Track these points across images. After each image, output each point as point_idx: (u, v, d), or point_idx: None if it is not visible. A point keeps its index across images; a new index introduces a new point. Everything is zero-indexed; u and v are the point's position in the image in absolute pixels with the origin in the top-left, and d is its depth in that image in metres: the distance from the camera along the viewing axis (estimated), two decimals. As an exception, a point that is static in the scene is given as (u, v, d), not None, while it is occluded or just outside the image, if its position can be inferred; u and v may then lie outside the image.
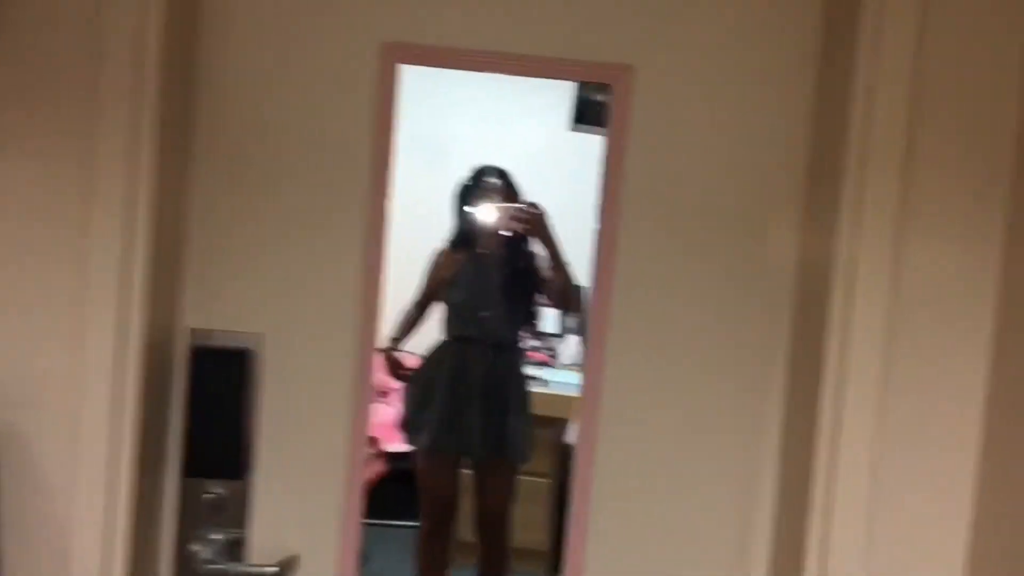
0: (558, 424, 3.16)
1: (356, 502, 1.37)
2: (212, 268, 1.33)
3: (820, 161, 1.31)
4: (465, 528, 3.07)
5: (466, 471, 2.44)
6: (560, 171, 2.06)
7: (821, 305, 1.22)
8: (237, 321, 1.33)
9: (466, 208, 2.22)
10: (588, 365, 1.37)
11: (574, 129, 1.86)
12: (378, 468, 3.22)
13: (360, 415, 1.36)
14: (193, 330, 1.31)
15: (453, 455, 2.37)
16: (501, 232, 2.13)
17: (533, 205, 2.00)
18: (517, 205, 2.04)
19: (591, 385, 1.37)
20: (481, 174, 2.20)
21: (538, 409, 2.56)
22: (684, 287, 1.37)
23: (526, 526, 2.86)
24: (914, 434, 1.22)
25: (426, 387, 2.33)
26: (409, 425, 2.36)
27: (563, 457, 2.89)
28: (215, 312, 1.33)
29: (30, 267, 1.20)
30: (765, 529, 1.36)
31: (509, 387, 2.27)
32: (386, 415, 3.44)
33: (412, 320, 2.31)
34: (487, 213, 2.13)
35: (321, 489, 1.37)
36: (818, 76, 1.32)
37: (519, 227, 2.04)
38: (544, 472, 3.34)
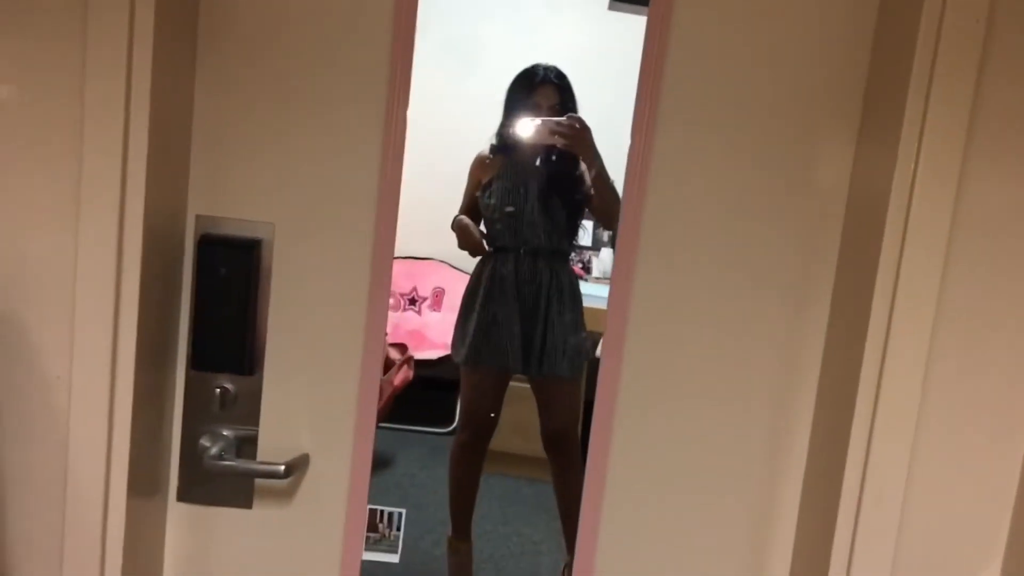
0: (591, 337, 3.10)
1: (371, 403, 1.31)
2: (221, 151, 1.24)
3: (882, 70, 1.18)
4: (499, 439, 3.06)
5: (522, 385, 2.39)
6: (601, 59, 1.93)
7: (873, 230, 1.12)
8: (247, 209, 1.25)
9: (512, 109, 2.11)
10: (616, 276, 1.28)
11: (612, 8, 1.72)
12: (405, 374, 3.20)
13: (376, 316, 1.28)
14: (199, 217, 1.24)
15: (494, 369, 2.31)
16: (535, 143, 2.03)
17: (575, 118, 1.88)
18: (558, 119, 1.92)
19: (618, 297, 1.28)
20: (535, 77, 2.09)
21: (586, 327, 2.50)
22: (722, 198, 1.25)
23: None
24: (966, 382, 1.14)
25: (469, 300, 2.29)
26: (455, 339, 2.32)
27: (593, 371, 2.84)
28: (224, 199, 1.25)
29: (22, 141, 1.12)
30: (799, 449, 1.28)
31: (552, 298, 2.20)
32: (415, 323, 3.40)
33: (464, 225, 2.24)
34: (527, 127, 2.01)
35: (335, 389, 1.30)
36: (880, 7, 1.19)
37: (560, 141, 1.91)
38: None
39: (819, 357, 1.27)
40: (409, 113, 1.25)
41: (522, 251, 2.13)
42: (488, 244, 2.25)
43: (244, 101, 1.24)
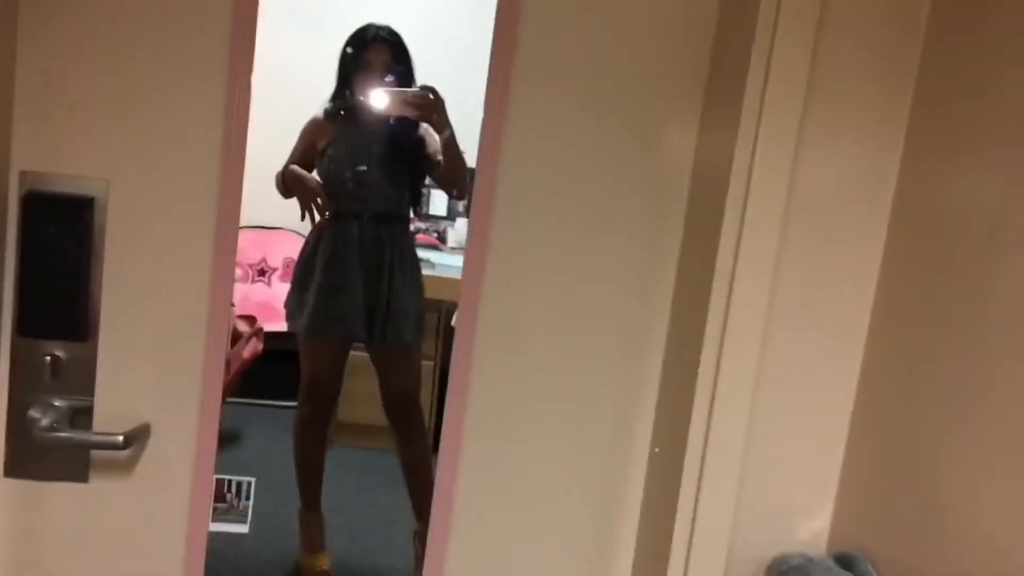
0: (444, 307, 3.10)
1: (217, 373, 1.26)
2: (49, 101, 1.16)
3: (724, 48, 1.23)
4: (349, 410, 3.01)
5: (361, 354, 2.33)
6: (451, 25, 1.92)
7: (715, 205, 1.17)
8: (78, 164, 1.18)
9: (348, 70, 2.04)
10: (471, 246, 1.28)
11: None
12: (255, 347, 3.10)
13: (221, 284, 1.23)
14: (23, 173, 1.15)
15: (334, 337, 2.24)
16: (387, 114, 1.98)
17: (429, 89, 1.85)
18: (411, 90, 1.88)
19: (473, 266, 1.28)
20: (366, 35, 2.02)
21: (427, 293, 2.47)
22: (573, 171, 1.28)
23: (409, 410, 2.81)
24: (800, 344, 1.22)
25: (306, 268, 2.19)
26: (291, 308, 2.22)
27: (448, 341, 2.84)
28: (52, 153, 1.17)
29: None
30: (646, 420, 1.33)
31: (395, 264, 2.14)
32: (264, 295, 3.30)
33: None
34: (378, 97, 1.94)
35: (178, 358, 1.25)
36: None
37: (413, 113, 1.88)
38: (430, 355, 3.30)
39: (664, 332, 1.32)
40: (255, 79, 1.20)
41: (365, 216, 2.06)
42: (324, 210, 2.16)
43: (73, 43, 1.16)
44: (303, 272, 2.13)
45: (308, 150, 2.10)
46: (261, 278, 3.10)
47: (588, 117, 1.26)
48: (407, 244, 2.16)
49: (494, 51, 1.24)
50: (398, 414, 2.28)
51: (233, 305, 2.50)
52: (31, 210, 1.14)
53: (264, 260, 3.09)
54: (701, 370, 1.17)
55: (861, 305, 1.22)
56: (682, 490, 1.19)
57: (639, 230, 1.30)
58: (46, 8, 1.14)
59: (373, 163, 2.07)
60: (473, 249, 1.27)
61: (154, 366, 1.24)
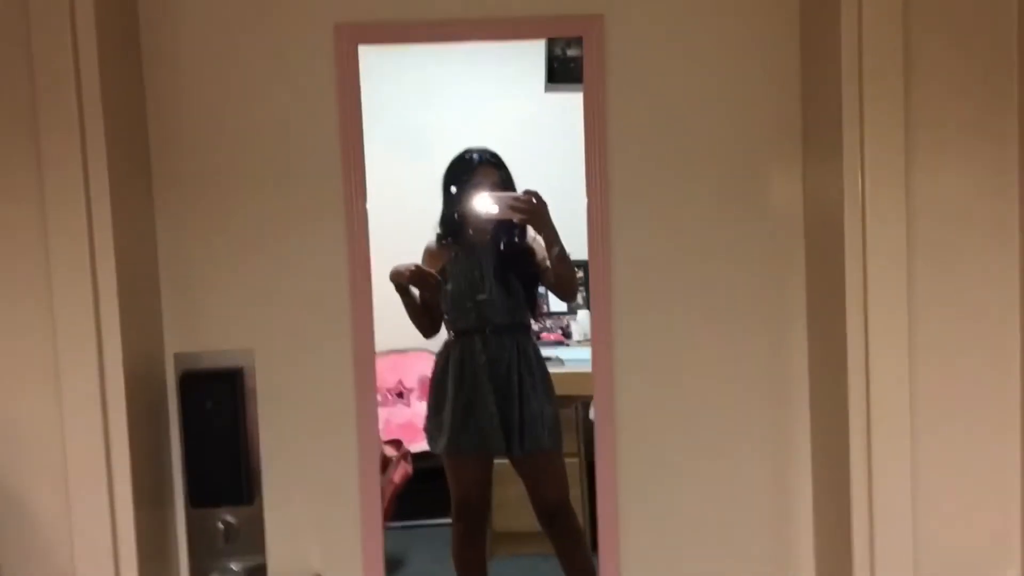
0: (580, 401, 3.08)
1: (374, 506, 1.30)
2: (190, 288, 1.26)
3: (815, 93, 1.23)
4: (503, 519, 3.01)
5: (507, 462, 2.35)
6: (543, 136, 1.98)
7: (833, 242, 1.15)
8: (223, 339, 1.26)
9: (453, 195, 2.11)
10: (596, 340, 1.30)
11: (549, 90, 1.77)
12: (404, 470, 3.15)
13: (366, 418, 1.29)
14: (177, 355, 1.24)
15: (474, 455, 2.26)
16: (494, 218, 2.04)
17: (532, 193, 1.90)
18: (515, 194, 1.95)
19: (601, 361, 1.30)
20: (468, 158, 2.10)
21: (560, 389, 2.48)
22: (686, 242, 1.29)
23: (562, 509, 2.78)
24: (952, 378, 1.16)
25: (438, 389, 2.23)
26: (430, 430, 2.26)
27: (589, 435, 2.81)
28: (199, 333, 1.27)
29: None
30: (804, 490, 1.29)
31: (522, 373, 2.17)
32: (405, 416, 3.37)
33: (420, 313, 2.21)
34: (483, 202, 2.02)
35: (336, 499, 1.30)
36: (803, 14, 1.25)
37: (518, 217, 1.94)
38: (572, 452, 3.27)
39: (805, 380, 1.29)
40: (369, 207, 1.28)
41: (487, 331, 2.11)
42: (449, 330, 2.22)
43: (204, 233, 1.26)
44: (436, 394, 2.18)
45: (430, 277, 2.17)
46: (400, 400, 3.18)
47: (688, 191, 1.28)
48: (531, 351, 2.19)
49: (587, 145, 1.28)
50: (551, 520, 2.26)
51: (379, 434, 2.56)
52: (187, 390, 1.22)
53: (400, 382, 3.17)
54: (852, 434, 1.13)
55: (1008, 329, 1.15)
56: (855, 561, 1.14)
57: (761, 299, 1.29)
58: (178, 206, 1.26)
59: (489, 283, 2.13)
60: (598, 345, 1.29)
61: (316, 515, 1.30)
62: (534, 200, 1.88)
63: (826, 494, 1.24)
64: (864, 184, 1.11)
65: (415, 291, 2.12)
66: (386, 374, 3.14)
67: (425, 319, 2.13)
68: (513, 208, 1.91)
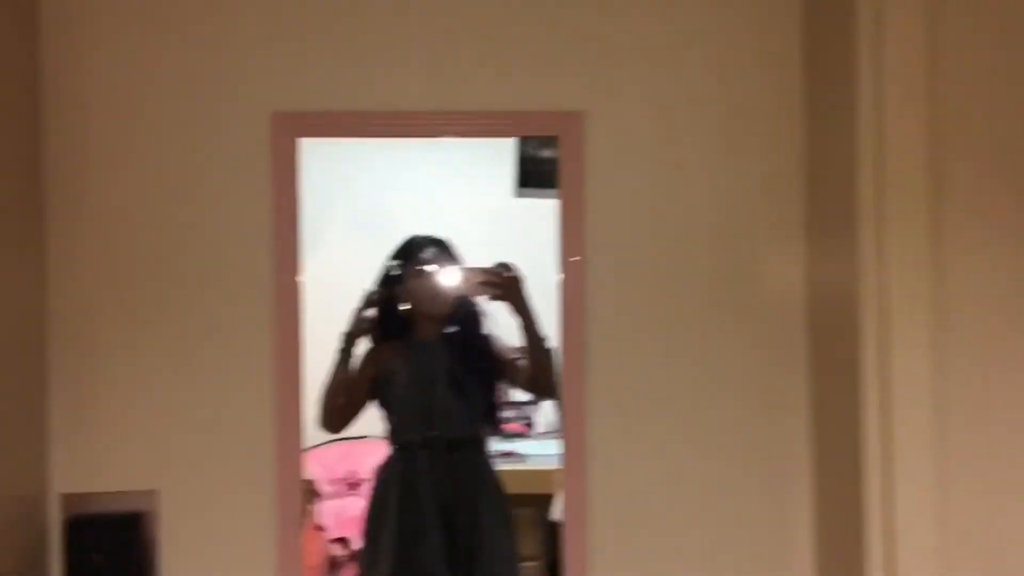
0: (540, 502, 2.88)
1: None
2: (83, 414, 1.07)
3: (820, 187, 1.11)
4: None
5: None
6: (507, 240, 1.77)
7: (845, 328, 1.01)
8: (122, 478, 1.07)
9: (398, 279, 1.84)
10: (568, 438, 1.17)
11: (520, 195, 1.59)
12: (354, 572, 2.90)
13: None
14: (64, 496, 1.04)
15: None
16: (444, 314, 1.75)
17: (505, 265, 1.65)
18: (485, 267, 1.67)
19: (573, 458, 1.17)
20: (416, 241, 1.85)
21: (518, 487, 2.28)
22: (665, 343, 1.16)
23: (519, 616, 2.58)
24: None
25: (378, 512, 1.88)
26: (364, 560, 1.85)
27: (550, 536, 2.60)
28: (93, 470, 1.07)
29: None
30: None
31: (477, 497, 1.87)
32: (357, 508, 3.12)
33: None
34: (447, 276, 1.74)
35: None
36: (805, 96, 1.14)
37: (490, 292, 1.67)
38: (532, 555, 3.06)
39: (808, 470, 1.15)
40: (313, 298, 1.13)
41: (434, 446, 1.80)
42: (393, 442, 1.88)
43: (105, 346, 1.08)
44: (374, 519, 1.85)
45: (367, 380, 1.88)
46: (352, 491, 2.92)
47: (674, 297, 1.15)
48: (489, 473, 1.91)
49: (564, 255, 1.14)
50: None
51: (324, 529, 2.33)
52: (74, 538, 1.02)
53: (354, 472, 2.92)
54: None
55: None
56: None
57: (742, 381, 1.15)
58: (76, 308, 1.07)
59: (438, 383, 1.86)
60: (571, 444, 1.17)
61: None
62: (505, 272, 1.62)
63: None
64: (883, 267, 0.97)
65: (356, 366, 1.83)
66: (337, 465, 2.91)
67: (345, 402, 1.82)
68: (484, 284, 1.64)
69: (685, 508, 1.16)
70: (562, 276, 1.14)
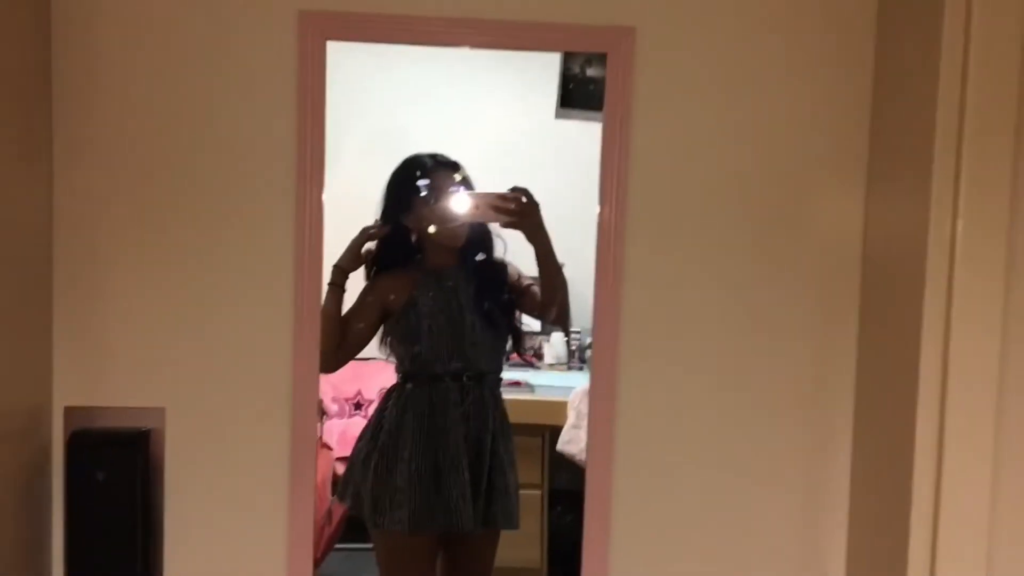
0: (548, 431, 2.86)
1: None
2: (90, 325, 1.01)
3: (888, 120, 1.03)
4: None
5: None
6: (549, 165, 1.67)
7: (909, 286, 0.94)
8: (129, 394, 1.02)
9: (404, 204, 1.69)
10: (597, 371, 1.12)
11: (561, 116, 1.49)
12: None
13: (301, 503, 1.04)
14: (68, 409, 0.99)
15: (436, 534, 1.80)
16: (460, 242, 1.63)
17: (522, 190, 1.53)
18: (500, 193, 1.54)
19: (601, 397, 1.11)
20: (420, 160, 1.71)
21: (525, 417, 2.26)
22: (707, 284, 1.10)
23: (515, 543, 2.58)
24: None
25: (390, 447, 1.76)
26: (374, 503, 1.70)
27: (553, 466, 2.59)
28: (99, 384, 1.02)
29: None
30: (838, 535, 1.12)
31: (498, 435, 1.79)
32: (361, 428, 3.10)
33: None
34: (459, 202, 1.60)
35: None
36: (879, 16, 1.06)
37: (504, 219, 1.55)
38: (534, 483, 3.05)
39: (848, 435, 1.11)
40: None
41: (465, 378, 1.71)
42: (409, 378, 1.76)
43: (113, 254, 1.02)
44: (386, 453, 1.74)
45: (377, 311, 1.75)
46: (357, 412, 2.90)
47: (720, 232, 1.08)
48: (500, 404, 1.84)
49: (604, 183, 1.07)
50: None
51: (331, 448, 2.30)
52: (77, 454, 0.98)
53: (359, 393, 2.89)
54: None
55: None
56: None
57: (784, 328, 1.10)
58: (81, 215, 1.00)
59: (465, 314, 1.76)
60: (599, 379, 1.12)
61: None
62: (524, 199, 1.52)
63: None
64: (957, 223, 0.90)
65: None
66: (345, 384, 2.89)
67: (340, 341, 1.68)
68: (498, 210, 1.53)
69: (715, 452, 1.11)
70: (602, 206, 1.07)
